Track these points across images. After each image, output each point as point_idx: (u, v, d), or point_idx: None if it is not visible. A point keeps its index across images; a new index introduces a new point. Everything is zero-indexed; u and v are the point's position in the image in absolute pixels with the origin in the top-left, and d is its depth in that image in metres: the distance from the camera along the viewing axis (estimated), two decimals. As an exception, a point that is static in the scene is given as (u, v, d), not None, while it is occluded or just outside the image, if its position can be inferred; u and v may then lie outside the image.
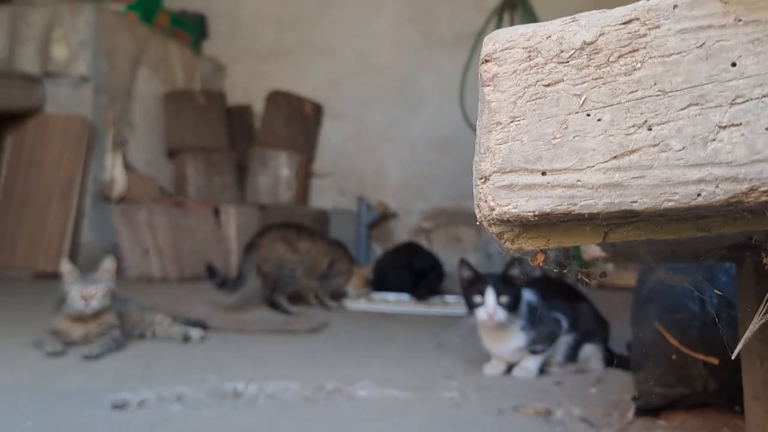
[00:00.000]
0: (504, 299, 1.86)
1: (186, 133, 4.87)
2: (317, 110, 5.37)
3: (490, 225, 0.59)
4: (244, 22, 5.57)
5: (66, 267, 2.17)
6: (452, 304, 3.44)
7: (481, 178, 0.57)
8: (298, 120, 5.21)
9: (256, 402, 1.69)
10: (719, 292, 1.33)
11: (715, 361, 1.36)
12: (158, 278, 3.96)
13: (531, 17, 4.68)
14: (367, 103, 5.33)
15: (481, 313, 1.87)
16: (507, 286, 1.89)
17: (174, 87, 4.96)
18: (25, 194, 3.95)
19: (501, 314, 1.86)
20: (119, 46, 4.35)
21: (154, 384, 1.73)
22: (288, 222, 3.59)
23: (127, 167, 4.27)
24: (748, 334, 0.59)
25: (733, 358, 0.63)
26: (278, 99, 5.18)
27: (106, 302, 2.14)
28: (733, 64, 0.50)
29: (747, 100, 0.49)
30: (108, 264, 2.21)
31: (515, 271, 1.90)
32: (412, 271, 3.77)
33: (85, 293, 2.10)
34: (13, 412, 1.49)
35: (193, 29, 5.35)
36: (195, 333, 2.37)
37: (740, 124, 0.49)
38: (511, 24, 4.74)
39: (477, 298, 1.88)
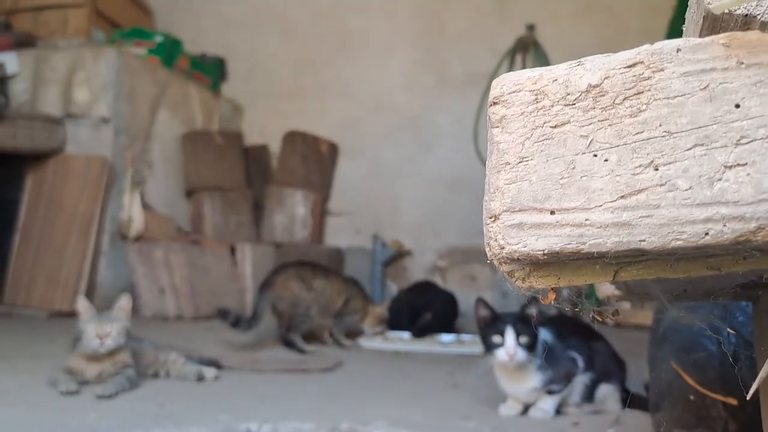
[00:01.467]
0: (523, 339, 1.84)
1: (203, 173, 4.94)
2: (333, 149, 5.43)
3: (500, 263, 0.59)
4: (262, 65, 5.68)
5: (82, 305, 2.18)
6: (468, 342, 3.41)
7: (490, 217, 0.57)
8: (314, 159, 5.27)
9: (269, 442, 1.68)
10: (734, 332, 1.32)
11: (734, 401, 1.33)
12: (173, 317, 3.97)
13: (542, 59, 4.74)
14: (382, 142, 5.39)
15: (501, 354, 1.84)
16: (525, 325, 1.86)
17: (193, 128, 5.05)
18: (44, 233, 4.00)
19: (521, 354, 1.84)
20: (140, 88, 4.45)
21: (166, 424, 1.73)
22: (303, 261, 3.60)
23: (145, 206, 4.33)
24: (762, 374, 0.58)
25: (748, 398, 0.63)
26: (295, 139, 5.25)
27: (121, 341, 2.14)
28: (737, 106, 0.51)
29: (752, 141, 0.50)
30: (123, 302, 2.22)
31: (532, 311, 1.88)
32: (426, 310, 3.74)
33: (100, 332, 2.10)
34: (27, 452, 1.49)
35: (212, 72, 5.48)
36: (209, 372, 2.37)
37: (746, 163, 0.50)
38: (523, 66, 4.80)
39: (496, 338, 1.86)
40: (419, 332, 3.60)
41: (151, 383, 2.26)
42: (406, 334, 3.61)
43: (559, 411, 1.96)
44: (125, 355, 2.19)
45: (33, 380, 2.17)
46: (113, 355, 2.15)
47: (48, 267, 3.92)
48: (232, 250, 4.54)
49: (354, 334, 3.46)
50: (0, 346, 2.83)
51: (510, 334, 1.84)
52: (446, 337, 3.59)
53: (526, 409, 1.97)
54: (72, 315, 2.34)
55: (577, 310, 0.70)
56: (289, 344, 3.10)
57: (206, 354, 2.63)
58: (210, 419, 1.79)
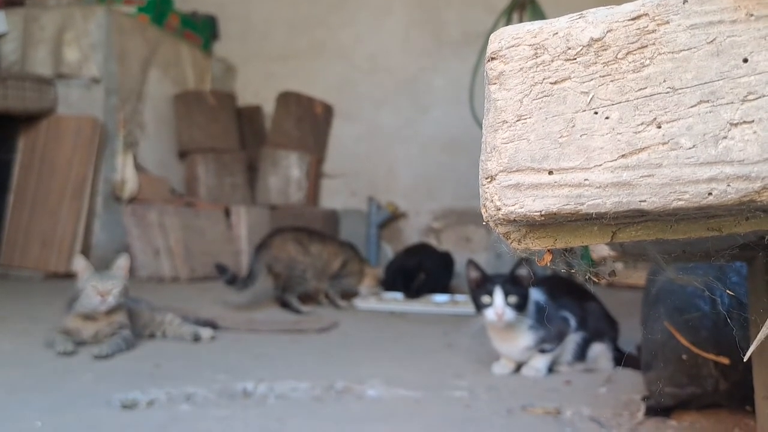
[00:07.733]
0: (512, 299, 1.86)
1: (197, 134, 4.89)
2: (328, 111, 5.37)
3: (496, 225, 0.58)
4: (255, 24, 5.58)
5: (80, 264, 2.17)
6: (462, 303, 3.43)
7: (487, 178, 0.56)
8: (309, 121, 5.21)
9: (266, 402, 1.69)
10: (730, 292, 1.32)
11: (726, 361, 1.35)
12: (169, 278, 3.98)
13: (540, 17, 4.65)
14: (378, 104, 5.33)
15: (489, 314, 1.87)
16: (515, 286, 1.88)
17: (185, 88, 4.98)
18: (38, 195, 3.98)
19: (510, 314, 1.86)
20: (130, 47, 4.37)
21: (163, 384, 1.74)
22: (300, 227, 3.60)
23: (138, 168, 4.29)
24: (761, 335, 0.58)
25: (745, 359, 0.62)
26: (289, 100, 5.19)
27: (121, 300, 2.15)
28: (745, 60, 0.49)
29: (759, 97, 0.48)
30: (122, 261, 2.22)
31: (523, 271, 1.89)
32: (422, 271, 3.75)
33: (102, 289, 2.10)
34: (24, 412, 1.49)
35: (203, 31, 5.37)
36: (205, 333, 2.38)
37: (752, 121, 0.48)
38: (521, 23, 4.72)
39: (485, 299, 1.88)
40: (413, 293, 3.61)
41: (148, 344, 2.27)
42: (400, 295, 3.63)
43: (551, 370, 1.99)
44: (122, 315, 2.19)
45: (30, 341, 2.17)
46: (110, 316, 2.15)
47: (42, 228, 3.91)
48: (227, 212, 4.52)
49: (350, 295, 3.47)
50: (-5, 308, 2.83)
51: (498, 295, 1.85)
52: (440, 298, 3.61)
53: (519, 368, 1.99)
54: (67, 276, 2.34)
55: (572, 271, 0.69)
56: (285, 305, 3.12)
57: (202, 315, 2.64)
58: (206, 379, 1.80)
